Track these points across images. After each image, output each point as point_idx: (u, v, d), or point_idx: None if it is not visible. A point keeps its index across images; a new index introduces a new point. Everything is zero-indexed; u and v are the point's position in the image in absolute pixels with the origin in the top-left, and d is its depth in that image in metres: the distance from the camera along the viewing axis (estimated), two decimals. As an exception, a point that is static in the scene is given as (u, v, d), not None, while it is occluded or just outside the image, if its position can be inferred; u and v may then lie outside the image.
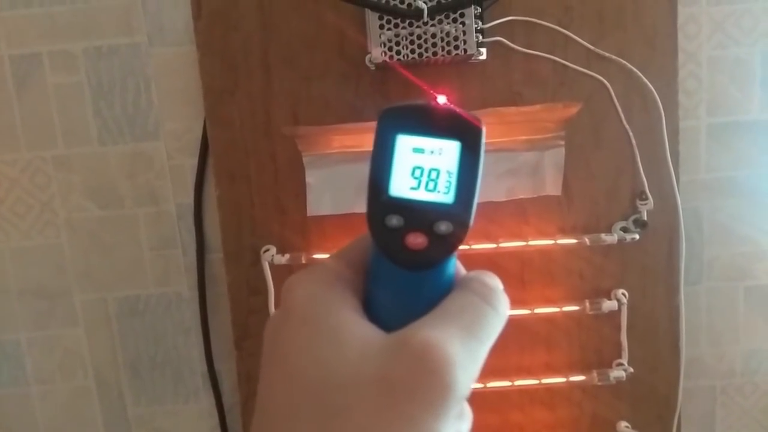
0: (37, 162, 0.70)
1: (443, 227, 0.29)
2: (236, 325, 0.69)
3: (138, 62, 0.69)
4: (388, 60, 0.62)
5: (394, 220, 0.29)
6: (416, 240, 0.29)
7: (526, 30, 0.64)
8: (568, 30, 0.64)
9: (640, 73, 0.64)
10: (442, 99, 0.31)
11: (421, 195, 0.30)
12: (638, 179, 0.66)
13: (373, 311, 0.30)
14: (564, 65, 0.65)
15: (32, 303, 0.73)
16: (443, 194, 0.30)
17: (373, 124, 0.30)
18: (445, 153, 0.30)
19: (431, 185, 0.30)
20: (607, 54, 0.64)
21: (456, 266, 0.31)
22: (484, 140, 0.30)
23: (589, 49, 0.65)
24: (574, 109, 0.64)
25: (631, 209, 0.67)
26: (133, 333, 0.74)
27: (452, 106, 0.30)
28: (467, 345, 0.27)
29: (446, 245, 0.30)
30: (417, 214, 0.29)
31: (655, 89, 0.64)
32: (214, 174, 0.67)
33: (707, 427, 0.76)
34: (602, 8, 0.64)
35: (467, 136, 0.30)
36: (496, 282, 0.31)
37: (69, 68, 0.69)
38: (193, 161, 0.70)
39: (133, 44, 0.69)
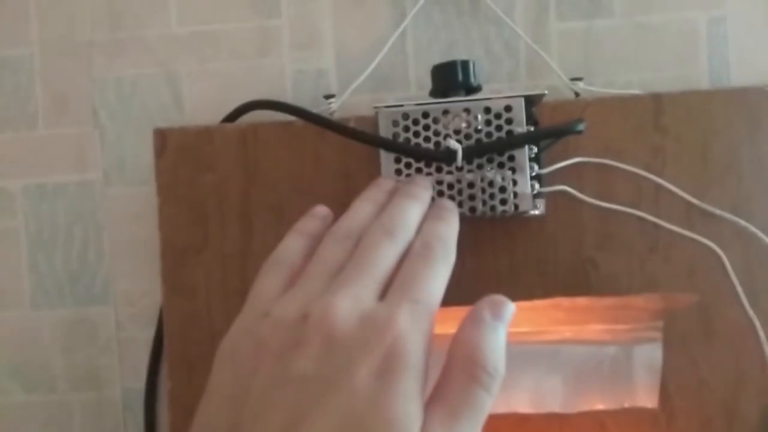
0: (-49, 329, 0.54)
1: None
2: None
3: (89, 204, 0.54)
4: (408, 214, 0.44)
5: None
6: None
7: (601, 176, 0.47)
8: (659, 177, 0.46)
9: (765, 237, 0.45)
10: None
11: None
12: (770, 387, 0.46)
13: None
14: (655, 224, 0.46)
15: None
16: None
17: None
18: None
19: None
20: (717, 211, 0.46)
21: None
22: None
23: (690, 203, 0.46)
24: (683, 302, 0.44)
25: (761, 428, 0.46)
26: None
27: None
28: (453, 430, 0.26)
29: None
30: None
31: (786, 258, 0.45)
32: (166, 360, 0.49)
33: None
34: (706, 148, 0.47)
35: None
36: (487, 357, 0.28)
37: (3, 211, 0.54)
38: (149, 334, 0.53)
39: (85, 182, 0.54)
